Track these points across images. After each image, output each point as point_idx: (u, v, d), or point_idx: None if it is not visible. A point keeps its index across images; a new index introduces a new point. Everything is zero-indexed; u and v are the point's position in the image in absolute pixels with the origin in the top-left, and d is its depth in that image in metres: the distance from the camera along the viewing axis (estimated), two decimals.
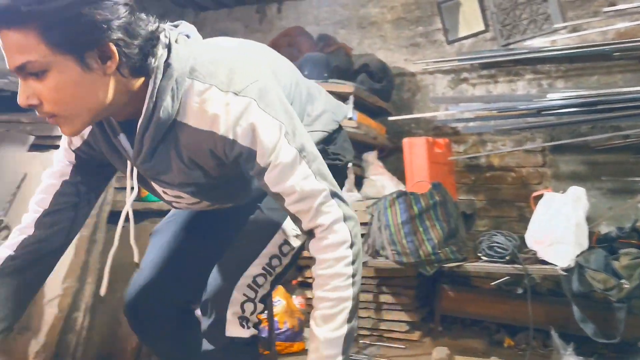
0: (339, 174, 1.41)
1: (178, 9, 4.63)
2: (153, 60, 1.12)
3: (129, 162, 1.26)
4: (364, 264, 2.94)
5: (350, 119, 3.50)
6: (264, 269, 1.34)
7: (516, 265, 2.67)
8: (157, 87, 1.11)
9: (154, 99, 1.11)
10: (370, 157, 3.76)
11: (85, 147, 1.31)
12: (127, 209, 1.29)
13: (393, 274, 3.18)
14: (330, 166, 1.29)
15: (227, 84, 1.13)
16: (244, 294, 1.31)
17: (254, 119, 1.12)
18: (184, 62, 1.13)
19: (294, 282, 3.39)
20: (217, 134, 1.13)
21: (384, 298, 3.24)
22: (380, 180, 3.64)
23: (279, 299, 2.99)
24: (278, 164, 1.14)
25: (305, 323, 3.15)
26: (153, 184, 1.31)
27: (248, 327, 1.33)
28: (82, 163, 1.33)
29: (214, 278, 1.35)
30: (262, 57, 1.34)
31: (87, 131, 1.28)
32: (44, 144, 2.73)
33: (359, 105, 3.65)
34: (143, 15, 1.12)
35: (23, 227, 1.33)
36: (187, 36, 1.22)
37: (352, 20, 4.38)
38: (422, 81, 4.13)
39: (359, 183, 3.67)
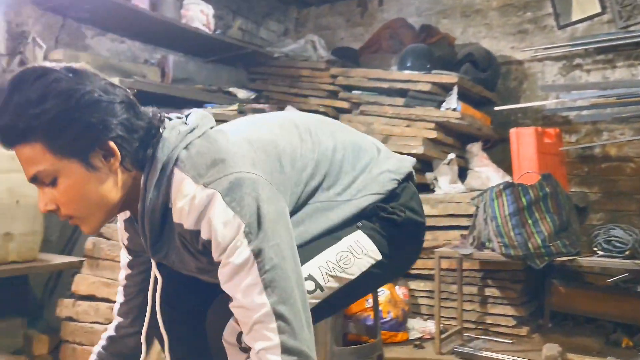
0: (399, 230, 1.29)
1: (282, 5, 4.77)
2: (150, 151, 1.14)
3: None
4: (469, 256, 2.90)
5: (454, 109, 3.45)
6: None
7: (637, 261, 2.53)
8: (147, 178, 1.12)
9: (146, 190, 1.13)
10: (475, 148, 3.69)
11: (129, 241, 1.38)
12: (155, 299, 1.29)
13: (499, 266, 3.11)
14: (386, 220, 1.26)
15: (202, 175, 1.09)
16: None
17: (213, 212, 1.06)
18: (171, 152, 1.12)
19: None
20: (184, 227, 1.11)
21: (489, 291, 3.18)
22: (485, 172, 3.56)
23: (383, 289, 3.02)
24: (228, 262, 1.06)
25: (408, 313, 3.16)
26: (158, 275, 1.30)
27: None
28: (135, 255, 1.41)
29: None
30: (271, 141, 1.21)
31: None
32: None
33: (463, 96, 3.59)
34: (142, 109, 1.14)
35: (114, 313, 1.49)
36: (195, 127, 1.18)
37: (455, 9, 4.29)
38: (530, 69, 3.98)
39: (462, 175, 3.61)
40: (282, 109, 3.69)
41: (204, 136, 1.15)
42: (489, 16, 4.16)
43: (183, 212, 1.09)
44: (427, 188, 3.62)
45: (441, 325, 2.97)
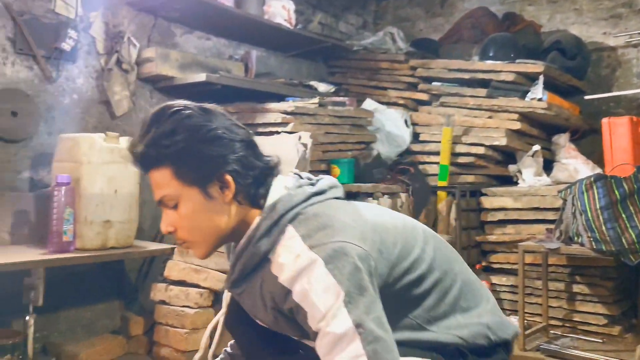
0: None
1: None
2: (265, 193, 1.21)
3: None
4: (555, 250, 2.80)
5: (539, 99, 3.34)
6: None
7: None
8: (259, 224, 1.19)
9: (254, 234, 1.19)
10: (562, 139, 3.55)
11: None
12: (217, 321, 1.41)
13: (589, 262, 2.99)
14: None
15: (310, 237, 1.13)
16: None
17: (315, 279, 1.07)
18: (291, 208, 1.18)
19: (477, 266, 3.35)
20: (278, 280, 1.13)
21: (577, 288, 3.06)
22: (573, 164, 3.42)
23: None
24: (328, 332, 1.06)
25: None
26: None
27: None
28: None
29: None
30: (380, 227, 1.21)
31: None
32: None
33: (550, 85, 3.46)
34: (260, 151, 1.24)
35: None
36: (321, 192, 1.24)
37: None
38: (624, 56, 3.77)
39: (548, 167, 3.49)
40: (361, 101, 3.71)
41: (326, 202, 1.22)
42: (578, 1, 3.98)
43: (283, 266, 1.12)
44: (510, 180, 3.52)
45: (525, 321, 2.90)
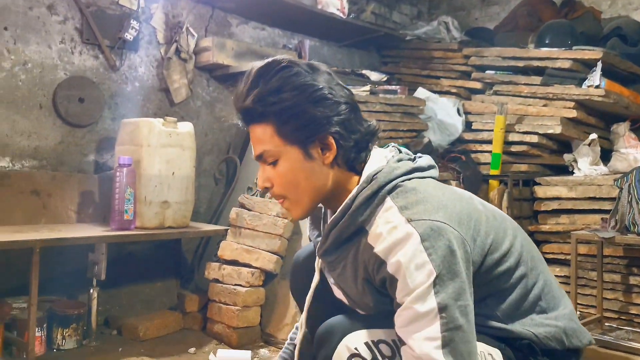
0: None
1: None
2: (366, 158, 1.21)
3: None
4: (610, 240, 2.73)
5: (597, 86, 3.25)
6: (394, 342, 1.15)
7: None
8: (358, 192, 1.17)
9: (352, 202, 1.17)
10: (621, 128, 3.44)
11: (310, 232, 1.45)
12: (310, 295, 1.36)
13: None
14: None
15: (408, 209, 1.11)
16: (355, 349, 1.15)
17: (409, 253, 1.06)
18: (391, 180, 1.16)
19: None
20: (373, 250, 1.12)
21: (634, 280, 2.97)
22: (633, 154, 3.31)
23: None
24: (410, 307, 1.05)
25: None
26: (328, 280, 1.35)
27: None
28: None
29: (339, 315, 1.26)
30: (476, 214, 1.20)
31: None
32: None
33: (609, 72, 3.36)
34: (361, 115, 1.23)
35: None
36: (421, 169, 1.22)
37: None
38: None
39: (605, 157, 3.39)
40: (413, 90, 3.72)
41: (425, 179, 1.21)
42: None
43: (380, 237, 1.11)
44: (565, 170, 3.45)
45: (578, 312, 2.84)
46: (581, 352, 1.28)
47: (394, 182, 1.16)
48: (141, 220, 2.55)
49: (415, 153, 3.48)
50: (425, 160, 1.26)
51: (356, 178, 1.22)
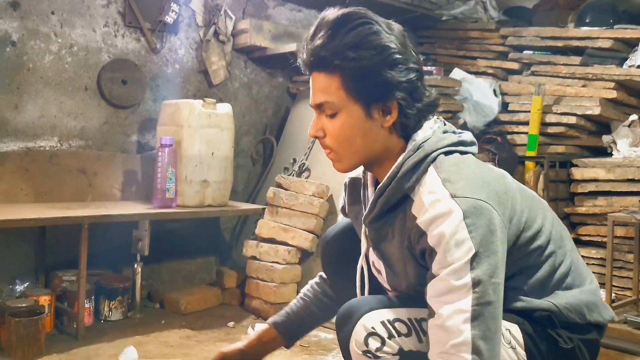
0: (555, 356, 1.22)
1: None
2: (420, 129, 1.20)
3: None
4: None
5: (638, 66, 3.19)
6: (410, 320, 1.19)
7: None
8: (404, 160, 1.18)
9: (398, 169, 1.18)
10: None
11: (346, 204, 1.47)
12: (361, 264, 1.37)
13: None
14: (549, 337, 1.20)
15: (452, 184, 1.12)
16: (372, 327, 1.18)
17: (451, 228, 1.08)
18: (437, 149, 1.18)
19: None
20: (416, 220, 1.14)
21: None
22: None
23: None
24: (445, 279, 1.08)
25: None
26: (370, 250, 1.35)
27: (377, 357, 1.18)
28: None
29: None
30: (511, 192, 1.21)
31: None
32: None
33: None
34: (425, 84, 1.22)
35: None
36: (464, 143, 1.23)
37: None
38: None
39: None
40: (449, 71, 3.70)
41: (467, 155, 1.22)
42: None
43: (423, 207, 1.13)
44: (604, 151, 3.41)
45: (614, 294, 2.83)
46: (603, 328, 1.30)
47: (439, 152, 1.18)
48: (182, 199, 2.64)
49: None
50: (468, 135, 1.26)
51: (404, 145, 1.22)
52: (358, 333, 1.18)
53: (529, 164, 3.41)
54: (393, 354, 1.17)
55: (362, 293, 1.38)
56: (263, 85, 3.43)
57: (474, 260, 1.06)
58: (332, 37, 1.16)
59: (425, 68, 3.39)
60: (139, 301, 2.70)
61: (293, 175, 2.91)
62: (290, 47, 3.09)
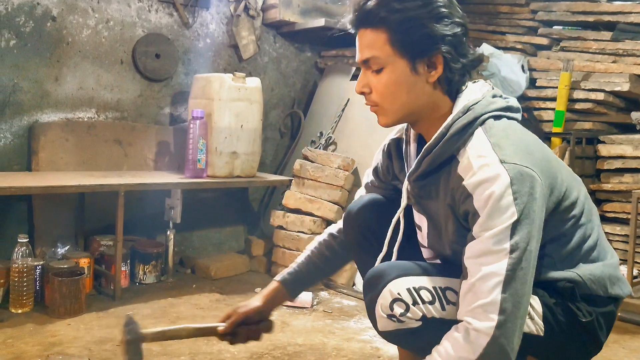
0: (574, 328, 1.25)
1: None
2: (464, 88, 1.22)
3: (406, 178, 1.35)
4: None
5: None
6: (435, 289, 1.23)
7: None
8: (453, 121, 1.20)
9: (447, 130, 1.20)
10: None
11: (381, 168, 1.50)
12: (397, 217, 1.39)
13: None
14: (568, 309, 1.23)
15: (501, 149, 1.13)
16: (398, 293, 1.22)
17: (497, 193, 1.09)
18: (487, 112, 1.19)
19: None
20: (463, 181, 1.15)
21: None
22: None
23: None
24: (484, 241, 1.10)
25: None
26: (404, 201, 1.38)
27: (400, 322, 1.23)
28: (378, 181, 1.54)
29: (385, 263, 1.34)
30: (554, 161, 1.24)
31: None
32: None
33: None
34: (470, 42, 1.23)
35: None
36: (512, 108, 1.25)
37: None
38: None
39: None
40: (477, 47, 3.70)
41: (514, 122, 1.24)
42: None
43: (470, 170, 1.14)
44: (632, 128, 3.38)
45: (636, 270, 2.85)
46: (620, 301, 1.33)
47: (488, 115, 1.20)
48: (212, 169, 2.75)
49: None
50: (515, 102, 1.27)
51: (450, 104, 1.24)
52: (384, 297, 1.23)
53: (555, 140, 3.42)
54: (416, 320, 1.22)
55: (391, 249, 1.42)
56: (291, 60, 3.50)
57: (515, 226, 1.09)
58: None
59: None
60: (172, 266, 2.84)
61: (319, 148, 2.98)
62: (319, 22, 3.15)
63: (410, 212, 1.40)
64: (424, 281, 1.24)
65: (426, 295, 1.23)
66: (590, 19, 3.50)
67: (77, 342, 1.98)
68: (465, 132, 1.19)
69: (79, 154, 2.72)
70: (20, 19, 2.60)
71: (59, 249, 2.60)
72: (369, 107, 1.29)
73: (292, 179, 2.95)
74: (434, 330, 1.20)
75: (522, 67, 3.63)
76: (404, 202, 1.38)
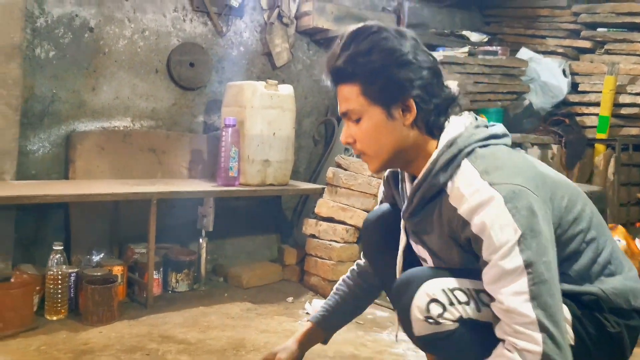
0: (602, 339, 1.24)
1: None
2: (445, 123, 1.27)
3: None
4: None
5: None
6: (469, 290, 1.24)
7: None
8: (438, 157, 1.24)
9: (433, 165, 1.25)
10: None
11: (384, 196, 1.60)
12: (400, 253, 1.45)
13: None
14: (596, 320, 1.22)
15: (489, 174, 1.17)
16: (433, 294, 1.23)
17: (494, 214, 1.12)
18: (470, 144, 1.23)
19: (637, 224, 3.16)
20: (457, 211, 1.19)
21: None
22: None
23: (619, 239, 2.85)
24: (497, 265, 1.12)
25: None
26: (411, 240, 1.43)
27: (437, 324, 1.23)
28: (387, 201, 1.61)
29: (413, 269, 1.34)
30: (549, 179, 1.26)
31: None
32: None
33: None
34: (445, 81, 1.28)
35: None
36: (496, 136, 1.28)
37: None
38: None
39: None
40: (515, 51, 3.60)
41: (500, 146, 1.27)
42: None
43: (462, 199, 1.18)
44: None
45: None
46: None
47: (472, 147, 1.23)
48: (244, 178, 2.74)
49: (514, 116, 3.47)
50: (500, 128, 1.31)
51: (433, 142, 1.28)
52: (420, 299, 1.22)
53: (599, 147, 3.29)
54: (453, 321, 1.21)
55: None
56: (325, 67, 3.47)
57: (521, 242, 1.10)
58: (345, 48, 1.26)
59: (489, 48, 3.34)
60: (204, 274, 2.83)
61: (353, 156, 2.94)
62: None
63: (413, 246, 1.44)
64: (458, 282, 1.25)
65: (461, 296, 1.24)
66: (637, 20, 3.37)
67: (108, 350, 1.98)
68: (450, 165, 1.23)
69: (114, 162, 2.75)
70: (60, 31, 2.66)
71: (94, 257, 2.63)
72: None
73: (324, 187, 2.92)
74: (469, 334, 1.20)
75: (564, 71, 3.53)
76: (402, 240, 1.44)
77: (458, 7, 4.02)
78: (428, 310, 1.21)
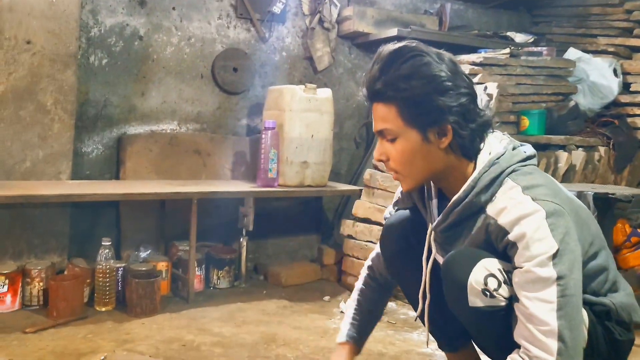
0: (609, 343, 1.31)
1: None
2: (482, 146, 1.31)
3: (430, 225, 1.45)
4: None
5: None
6: (497, 271, 1.27)
7: None
8: (480, 175, 1.28)
9: (475, 183, 1.28)
10: None
11: (401, 203, 1.61)
12: (427, 266, 1.49)
13: None
14: (605, 327, 1.29)
15: (531, 191, 1.22)
16: (491, 270, 1.27)
17: (532, 224, 1.17)
18: (510, 165, 1.28)
19: None
20: (497, 221, 1.23)
21: None
22: None
23: None
24: (531, 270, 1.16)
25: None
26: (433, 247, 1.46)
27: (492, 297, 1.26)
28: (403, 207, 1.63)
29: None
30: (574, 202, 1.35)
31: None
32: None
33: None
34: (480, 107, 1.31)
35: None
36: (531, 157, 1.33)
37: None
38: None
39: None
40: (563, 51, 3.52)
41: (536, 167, 1.34)
42: None
43: (504, 210, 1.23)
44: None
45: None
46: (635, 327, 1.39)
47: (513, 167, 1.28)
48: (283, 179, 2.82)
49: (559, 117, 3.38)
50: (532, 149, 1.36)
51: (468, 163, 1.32)
52: (479, 272, 1.26)
53: None
54: (505, 298, 1.25)
55: (425, 295, 1.51)
56: (366, 71, 3.50)
57: (556, 256, 1.16)
58: (385, 70, 1.27)
59: (533, 49, 3.28)
60: (245, 272, 2.93)
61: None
62: (391, 32, 3.14)
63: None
64: (506, 268, 1.28)
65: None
66: None
67: (147, 341, 2.10)
68: (493, 183, 1.27)
69: (161, 163, 2.89)
70: (112, 39, 2.83)
71: (141, 253, 2.78)
72: None
73: (362, 189, 2.96)
74: (509, 318, 1.23)
75: (615, 71, 3.41)
76: (431, 250, 1.47)
77: (505, 8, 3.97)
78: (485, 283, 1.25)
